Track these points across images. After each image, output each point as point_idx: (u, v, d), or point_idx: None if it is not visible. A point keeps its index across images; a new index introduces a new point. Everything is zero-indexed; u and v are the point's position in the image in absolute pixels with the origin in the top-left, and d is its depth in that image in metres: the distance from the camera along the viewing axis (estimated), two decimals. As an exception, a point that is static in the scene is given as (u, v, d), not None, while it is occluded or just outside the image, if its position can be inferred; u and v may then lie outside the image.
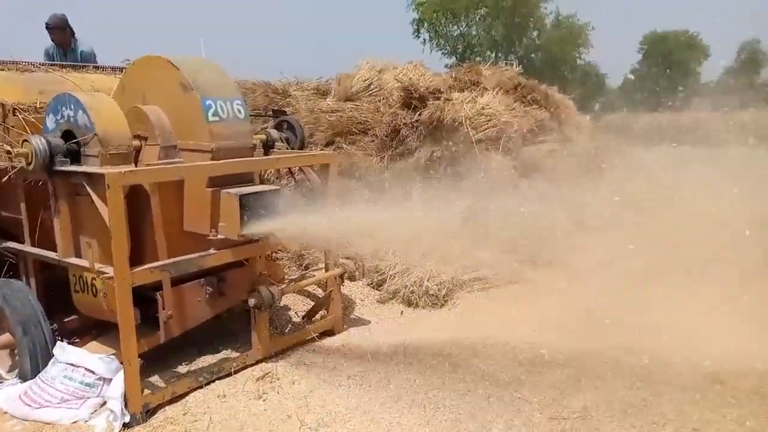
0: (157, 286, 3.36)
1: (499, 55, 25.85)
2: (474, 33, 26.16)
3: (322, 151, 5.47)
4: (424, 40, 27.14)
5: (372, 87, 7.09)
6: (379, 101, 6.90)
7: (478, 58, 22.43)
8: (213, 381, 3.69)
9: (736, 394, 3.35)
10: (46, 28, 5.71)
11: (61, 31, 5.70)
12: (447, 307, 5.15)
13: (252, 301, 3.78)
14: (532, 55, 26.81)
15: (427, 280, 5.24)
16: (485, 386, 3.58)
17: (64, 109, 3.35)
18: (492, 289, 5.46)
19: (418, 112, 6.47)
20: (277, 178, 5.44)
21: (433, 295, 5.15)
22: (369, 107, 6.78)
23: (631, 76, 45.52)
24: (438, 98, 6.62)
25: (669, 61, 43.62)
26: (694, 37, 45.33)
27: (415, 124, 6.38)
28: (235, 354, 4.10)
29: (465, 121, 6.46)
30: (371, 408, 3.37)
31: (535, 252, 5.53)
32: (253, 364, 3.92)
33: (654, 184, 7.52)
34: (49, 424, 3.23)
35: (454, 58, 25.91)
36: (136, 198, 3.42)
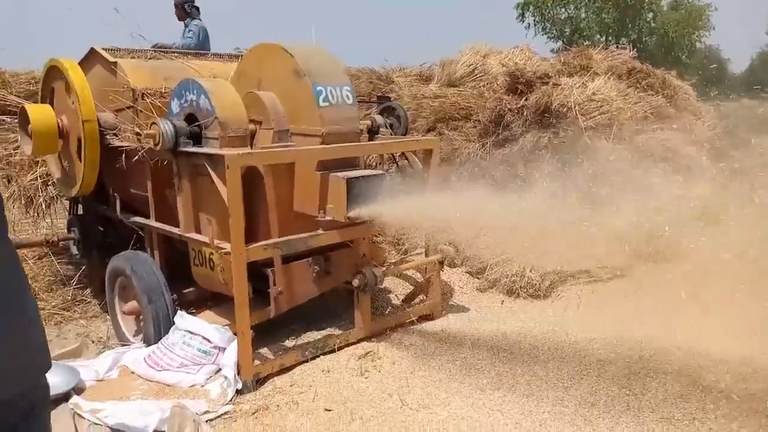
0: (268, 263, 3.53)
1: (610, 39, 24.53)
2: (583, 16, 25.01)
3: (425, 137, 5.47)
4: (529, 24, 26.33)
5: (476, 72, 6.99)
6: (483, 86, 6.79)
7: (586, 43, 21.45)
8: (318, 356, 3.84)
9: None
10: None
11: (176, 8, 6.42)
12: (550, 299, 5.01)
13: (356, 282, 3.88)
14: (646, 39, 25.26)
15: (530, 271, 5.12)
16: (590, 381, 3.47)
17: (187, 93, 3.58)
18: (599, 283, 5.24)
19: (524, 98, 6.30)
20: (379, 163, 5.52)
21: (535, 286, 5.03)
22: (472, 93, 6.69)
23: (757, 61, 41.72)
24: (546, 83, 6.40)
25: (804, 42, 39.53)
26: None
27: (520, 110, 6.22)
28: (337, 331, 4.23)
29: (574, 107, 6.20)
30: (472, 393, 3.37)
31: (648, 246, 5.23)
32: (355, 343, 4.03)
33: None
34: (169, 386, 3.49)
35: (561, 42, 24.94)
36: (250, 179, 3.60)
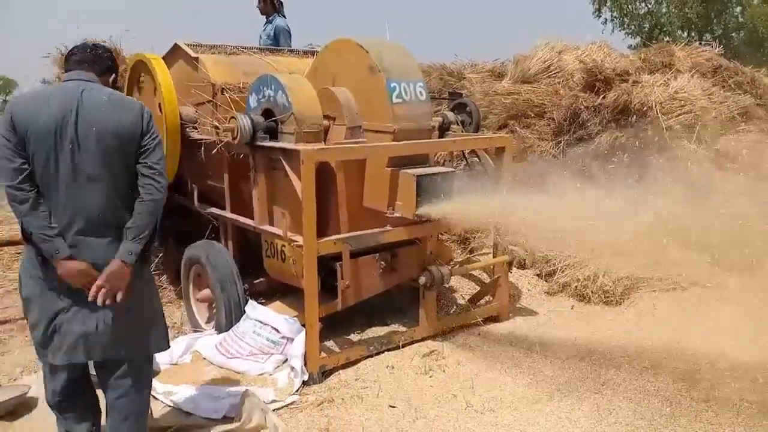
0: (336, 257, 3.56)
1: (692, 34, 23.32)
2: (664, 10, 23.87)
3: (497, 134, 5.38)
4: (606, 19, 25.40)
5: (551, 68, 6.79)
6: (559, 83, 6.59)
7: (667, 39, 20.48)
8: (382, 352, 3.85)
9: None
10: None
11: (264, 3, 6.42)
12: (623, 305, 4.82)
13: (422, 279, 3.86)
14: (733, 35, 23.86)
15: (603, 276, 4.94)
16: (666, 394, 3.31)
17: (265, 89, 3.66)
18: (676, 291, 4.99)
19: (601, 95, 6.08)
20: (449, 160, 5.46)
21: (608, 291, 4.85)
22: (547, 90, 6.51)
23: None
24: (625, 80, 6.15)
25: None
26: None
27: (597, 108, 6.00)
28: (402, 329, 4.23)
29: (655, 105, 5.93)
30: (539, 398, 3.29)
31: (731, 255, 4.94)
32: (419, 341, 4.02)
33: None
34: (239, 373, 3.59)
35: (640, 38, 23.90)
36: (322, 174, 3.64)
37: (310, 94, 3.60)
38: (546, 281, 5.22)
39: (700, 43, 9.99)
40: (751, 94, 7.41)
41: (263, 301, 4.08)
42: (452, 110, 4.55)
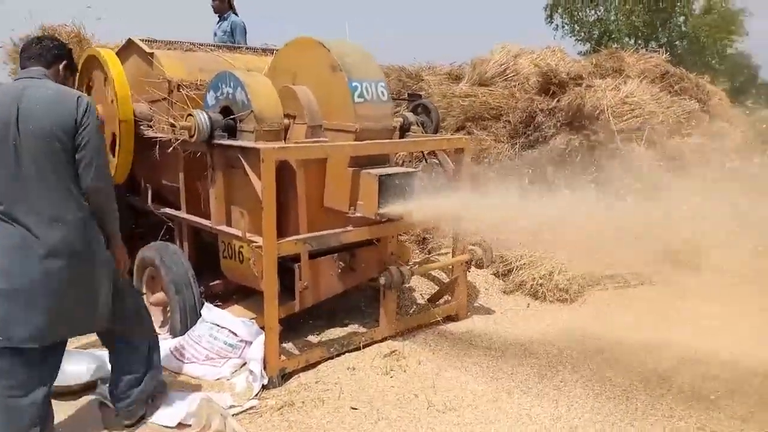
0: (294, 258, 3.51)
1: (639, 42, 24.14)
2: (612, 18, 24.62)
3: (457, 136, 5.42)
4: (557, 25, 26.02)
5: (507, 72, 6.91)
6: (515, 86, 6.71)
7: (615, 46, 21.14)
8: (343, 353, 3.82)
9: None
10: None
11: (220, 1, 6.33)
12: (577, 303, 4.94)
13: (383, 280, 3.85)
14: (676, 43, 24.79)
15: (557, 274, 5.06)
16: (623, 388, 3.41)
17: (224, 86, 3.58)
18: (628, 289, 5.17)
19: (556, 99, 6.22)
20: (409, 160, 5.48)
21: (562, 289, 4.96)
22: (503, 92, 6.61)
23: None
24: (579, 84, 6.32)
25: (841, 50, 38.62)
26: None
27: (552, 111, 6.13)
28: (362, 329, 4.21)
29: (607, 109, 6.11)
30: (499, 396, 3.32)
31: (679, 253, 5.13)
32: (380, 341, 4.01)
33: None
34: (195, 378, 3.50)
35: (589, 45, 24.58)
36: (281, 173, 3.59)
37: (271, 92, 3.55)
38: (502, 280, 5.30)
39: (646, 50, 10.36)
40: (696, 99, 7.74)
41: (220, 303, 4.00)
42: (412, 111, 4.56)
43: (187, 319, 3.73)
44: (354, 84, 3.56)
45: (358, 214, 3.58)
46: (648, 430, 3.01)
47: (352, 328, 4.27)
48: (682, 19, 24.58)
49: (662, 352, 3.83)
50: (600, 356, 3.83)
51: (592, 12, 25.31)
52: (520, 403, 3.25)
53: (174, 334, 3.79)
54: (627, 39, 23.98)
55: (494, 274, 5.37)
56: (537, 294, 5.00)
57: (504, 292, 5.14)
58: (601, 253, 5.22)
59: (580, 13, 25.36)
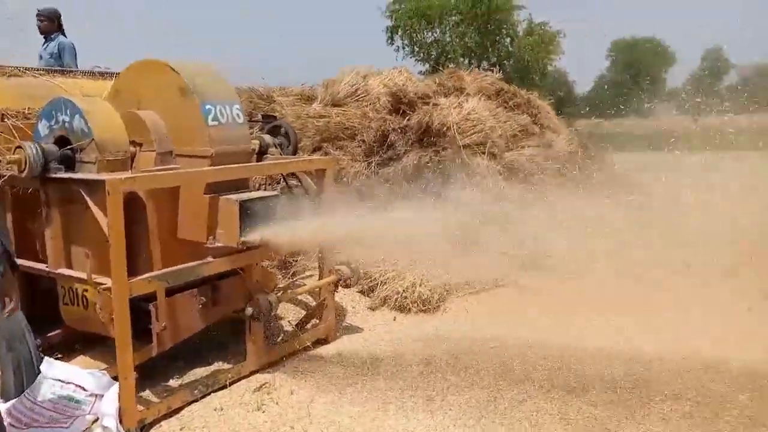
0: (149, 297, 3.25)
1: (473, 61, 26.06)
2: (448, 39, 26.37)
3: (318, 157, 5.41)
4: (398, 47, 27.27)
5: (359, 92, 7.05)
6: (367, 106, 6.86)
7: (451, 65, 22.62)
8: (208, 394, 3.58)
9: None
10: (36, 14, 5.92)
11: (49, 21, 5.88)
12: (440, 311, 5.13)
13: (249, 311, 3.69)
14: (505, 62, 27.09)
15: (420, 285, 5.22)
16: (490, 389, 3.58)
17: (58, 114, 3.23)
18: (483, 293, 5.46)
19: (406, 117, 6.45)
20: (269, 184, 5.35)
21: (425, 300, 5.12)
22: (356, 112, 6.73)
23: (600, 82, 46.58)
24: (426, 103, 6.62)
25: (637, 67, 44.75)
26: (661, 44, 46.69)
27: (404, 129, 6.35)
28: (227, 365, 3.99)
29: (453, 126, 6.46)
30: (376, 415, 3.32)
31: (526, 256, 5.55)
32: (248, 375, 3.82)
33: (635, 187, 7.68)
34: (37, 443, 3.08)
35: (428, 64, 26.07)
36: (128, 206, 3.30)
37: (113, 118, 3.26)
38: (368, 297, 5.35)
39: (479, 69, 11.18)
40: (528, 114, 8.45)
41: (60, 356, 3.58)
42: (269, 133, 4.46)
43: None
44: (207, 107, 3.39)
45: (218, 244, 3.40)
46: (516, 426, 3.19)
47: (217, 365, 4.03)
48: (508, 40, 26.96)
49: (521, 350, 4.11)
50: (465, 361, 4.00)
51: (430, 34, 26.89)
52: (397, 418, 3.28)
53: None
54: (462, 59, 25.76)
55: (360, 292, 5.40)
56: (402, 307, 5.11)
57: (371, 309, 5.19)
58: (458, 261, 5.51)
59: (418, 35, 26.82)
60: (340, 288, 4.89)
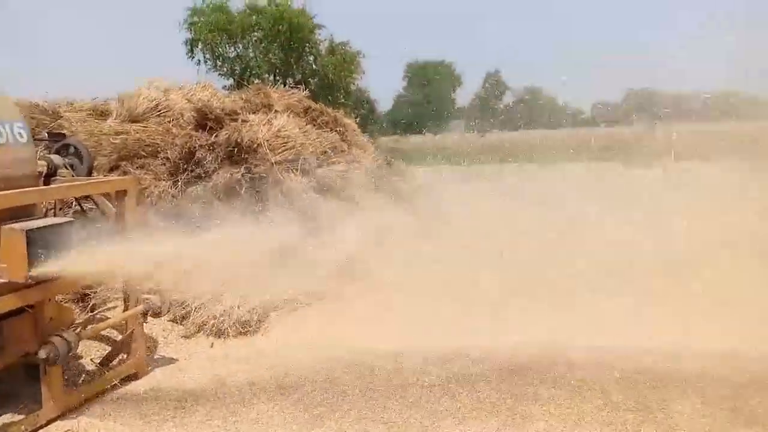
0: None
1: (278, 78, 26.10)
2: (252, 55, 26.04)
3: (118, 177, 4.96)
4: (199, 61, 26.27)
5: (160, 107, 6.65)
6: (170, 122, 6.50)
7: (257, 81, 22.45)
8: (-1, 453, 3.11)
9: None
10: None
11: None
12: (260, 332, 5.03)
13: (44, 353, 3.27)
14: (310, 80, 27.59)
15: (237, 307, 5.06)
16: (318, 407, 3.60)
17: None
18: (303, 309, 5.47)
19: (214, 134, 6.24)
20: (61, 208, 4.78)
21: (245, 322, 4.98)
22: (158, 128, 6.34)
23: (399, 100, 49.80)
24: (235, 120, 6.47)
25: (428, 88, 48.67)
26: (449, 66, 51.31)
27: (212, 146, 6.14)
28: (20, 416, 3.49)
29: (263, 143, 6.40)
30: (199, 450, 3.15)
31: (343, 270, 5.69)
32: (46, 425, 3.40)
33: (440, 199, 8.35)
34: None
35: (233, 80, 25.47)
36: None
37: None
38: (182, 324, 5.06)
39: (285, 86, 11.27)
40: (336, 132, 8.70)
41: None
42: (58, 152, 4.00)
43: None
44: (-20, 126, 2.95)
45: (2, 280, 2.96)
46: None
47: (7, 417, 3.50)
48: (312, 58, 27.47)
49: (342, 363, 4.19)
50: (290, 380, 3.98)
51: (232, 49, 26.36)
52: (223, 449, 3.15)
53: None
54: (267, 75, 25.64)
55: (172, 320, 5.09)
56: (220, 332, 4.92)
57: (185, 337, 4.91)
58: (276, 278, 5.47)
59: (220, 49, 26.13)
60: (149, 318, 4.57)
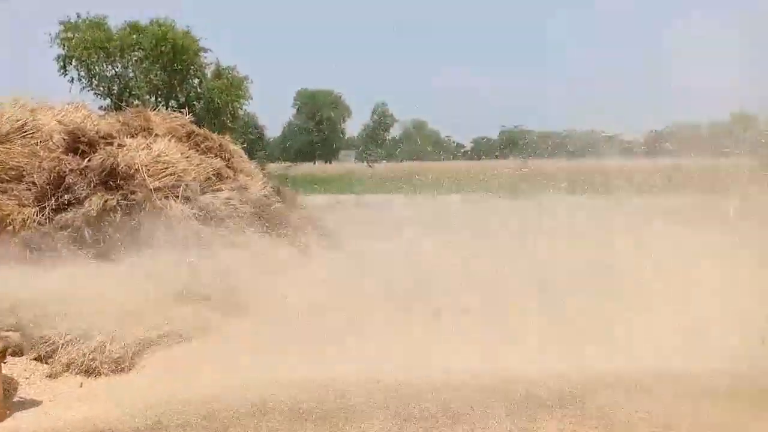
0: None
1: (160, 100, 25.13)
2: (131, 75, 24.89)
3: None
4: (72, 78, 24.68)
5: (26, 128, 6.17)
6: (37, 144, 6.04)
7: (136, 102, 21.48)
8: None
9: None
10: None
11: None
12: (135, 370, 4.74)
13: None
14: (194, 103, 26.82)
15: (110, 344, 4.75)
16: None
17: None
18: (183, 344, 5.21)
19: (87, 158, 5.88)
20: None
21: (118, 359, 4.68)
22: (23, 150, 5.87)
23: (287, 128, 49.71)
24: (110, 143, 6.14)
25: (319, 116, 49.11)
26: (338, 96, 52.07)
27: (84, 171, 5.78)
28: None
29: (141, 168, 6.13)
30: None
31: (225, 301, 5.54)
32: None
33: (328, 228, 8.42)
34: None
35: (110, 100, 24.14)
36: None
37: None
38: (47, 363, 4.67)
39: (167, 109, 10.93)
40: (221, 158, 8.51)
41: None
42: None
43: None
44: None
45: None
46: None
47: None
48: (197, 81, 26.76)
49: (223, 401, 4.03)
50: (168, 419, 3.79)
51: (110, 67, 25.07)
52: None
53: None
54: (148, 97, 24.62)
55: (36, 359, 4.67)
56: (90, 370, 4.60)
57: (50, 377, 4.54)
58: (154, 312, 5.22)
59: (96, 67, 24.76)
60: (8, 357, 4.19)
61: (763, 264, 5.72)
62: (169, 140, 7.67)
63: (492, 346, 4.57)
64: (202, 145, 8.32)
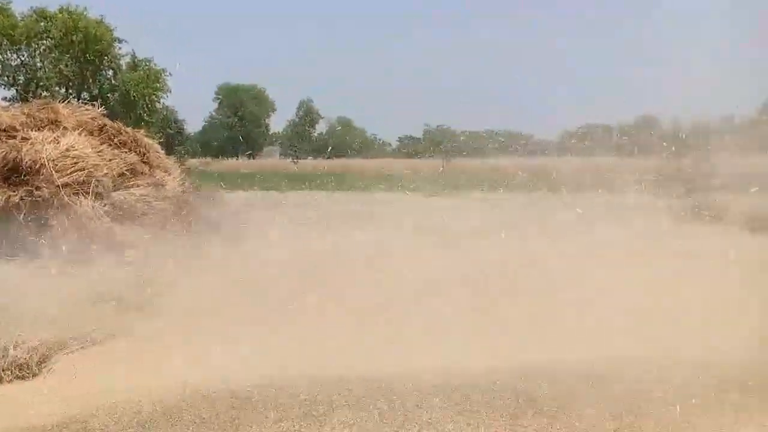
0: None
1: (71, 92, 23.82)
2: (39, 65, 23.42)
3: None
4: (-27, 65, 22.97)
5: None
6: (-73, 137, 5.60)
7: (45, 94, 20.29)
8: None
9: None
10: None
11: None
12: (41, 376, 4.47)
13: None
14: (108, 95, 25.61)
15: (14, 348, 4.49)
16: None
17: None
18: (95, 347, 4.98)
19: (-14, 152, 5.52)
20: None
21: (22, 364, 4.42)
22: None
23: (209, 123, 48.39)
24: (13, 137, 5.79)
25: (242, 111, 48.07)
26: (262, 91, 51.14)
27: (-18, 166, 5.42)
28: None
29: (48, 163, 5.82)
30: None
31: (136, 302, 5.35)
32: None
33: (247, 225, 8.30)
34: None
35: (16, 91, 22.64)
36: None
37: None
38: (-62, 373, 4.34)
39: (78, 101, 10.40)
40: (136, 152, 8.21)
41: None
42: None
43: None
44: None
45: None
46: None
47: None
48: (111, 72, 25.56)
49: (133, 405, 3.86)
50: (73, 426, 3.61)
51: (15, 56, 23.51)
52: None
53: None
54: (58, 88, 23.31)
55: None
56: (-8, 376, 4.31)
57: (-58, 386, 4.21)
58: (60, 315, 4.97)
59: (1, 56, 23.17)
60: None
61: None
62: (80, 134, 7.34)
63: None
64: (116, 140, 8.01)
